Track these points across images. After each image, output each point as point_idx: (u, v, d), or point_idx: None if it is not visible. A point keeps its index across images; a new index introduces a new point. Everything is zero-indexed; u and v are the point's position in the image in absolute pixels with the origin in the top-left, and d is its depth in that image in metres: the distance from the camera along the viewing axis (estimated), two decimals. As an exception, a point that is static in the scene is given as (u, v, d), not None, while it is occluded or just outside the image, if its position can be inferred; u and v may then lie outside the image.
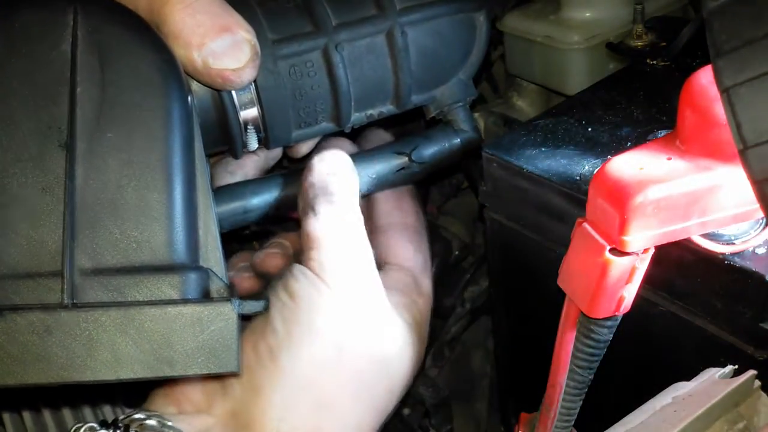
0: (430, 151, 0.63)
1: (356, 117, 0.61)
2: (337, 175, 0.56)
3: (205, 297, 0.44)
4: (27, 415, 0.58)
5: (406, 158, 0.62)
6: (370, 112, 0.61)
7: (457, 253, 0.90)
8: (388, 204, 0.63)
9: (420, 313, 0.58)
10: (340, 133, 0.63)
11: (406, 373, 0.55)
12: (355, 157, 0.61)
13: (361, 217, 0.56)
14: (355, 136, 0.67)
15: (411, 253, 0.61)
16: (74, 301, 0.41)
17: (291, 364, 0.49)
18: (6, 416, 0.57)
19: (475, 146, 0.64)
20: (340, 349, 0.51)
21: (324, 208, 0.54)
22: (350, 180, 0.57)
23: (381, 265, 0.58)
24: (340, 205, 0.54)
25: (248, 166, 0.64)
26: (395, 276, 0.59)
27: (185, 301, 0.43)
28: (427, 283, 0.61)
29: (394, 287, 0.57)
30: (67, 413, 0.59)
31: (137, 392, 0.59)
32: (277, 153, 0.65)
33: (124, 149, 0.44)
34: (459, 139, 0.64)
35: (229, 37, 0.50)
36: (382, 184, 0.62)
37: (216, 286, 0.45)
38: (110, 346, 0.41)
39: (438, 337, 0.89)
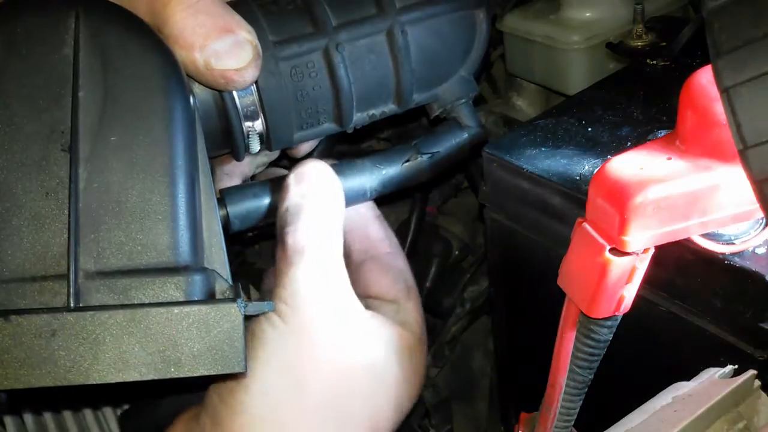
0: (437, 145, 0.63)
1: (358, 117, 0.61)
2: (308, 197, 0.54)
3: (210, 298, 0.44)
4: (28, 418, 0.58)
5: (413, 151, 0.62)
6: (372, 111, 0.61)
7: (457, 253, 0.90)
8: (356, 237, 0.61)
9: (410, 338, 0.56)
10: (341, 136, 0.64)
11: (393, 398, 0.54)
12: (359, 158, 0.61)
13: (336, 239, 0.54)
14: (355, 137, 0.67)
15: (389, 284, 0.59)
16: (79, 304, 0.41)
17: (248, 400, 0.50)
18: (8, 419, 0.58)
19: (482, 141, 0.64)
20: (300, 381, 0.50)
21: (290, 238, 0.52)
22: (325, 198, 0.55)
23: (363, 300, 0.56)
24: (306, 234, 0.52)
25: (245, 167, 0.64)
26: (377, 307, 0.57)
27: (191, 302, 0.42)
28: (411, 307, 0.59)
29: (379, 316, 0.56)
30: (67, 415, 0.59)
31: (140, 394, 0.59)
32: (275, 152, 0.65)
33: (127, 151, 0.44)
34: (466, 134, 0.64)
35: (231, 38, 0.50)
36: (392, 180, 0.62)
37: (221, 287, 0.45)
38: (116, 347, 0.41)
39: (438, 337, 0.89)
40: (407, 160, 0.62)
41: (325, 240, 0.53)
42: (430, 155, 0.62)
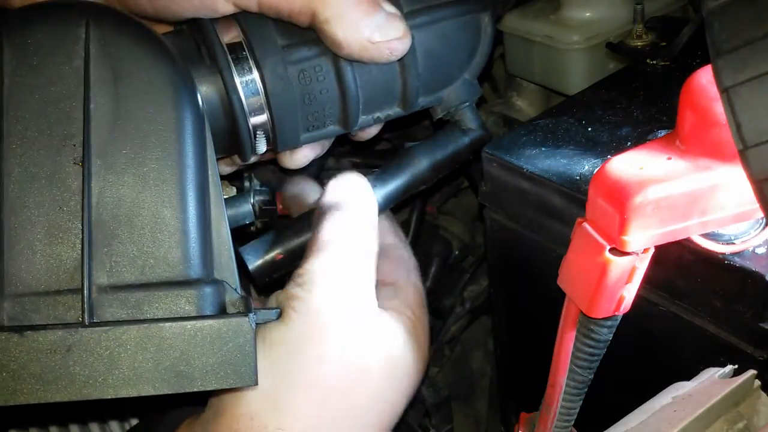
0: (437, 151, 0.63)
1: (363, 120, 0.61)
2: (342, 199, 0.56)
3: (222, 310, 0.45)
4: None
5: (410, 156, 0.62)
6: (377, 114, 0.61)
7: (457, 253, 0.90)
8: None
9: (411, 322, 0.56)
10: (342, 139, 0.64)
11: (400, 391, 0.54)
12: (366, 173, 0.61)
13: (367, 241, 0.55)
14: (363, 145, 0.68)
15: (389, 269, 0.60)
16: (93, 319, 0.41)
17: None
18: None
19: (484, 143, 0.64)
20: (304, 364, 0.50)
21: (318, 233, 0.54)
22: (358, 203, 0.57)
23: None
24: (333, 229, 0.54)
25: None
26: (377, 291, 0.57)
27: (203, 316, 0.43)
28: (410, 291, 0.59)
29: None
30: (74, 429, 0.60)
31: (147, 407, 0.59)
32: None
33: (139, 165, 0.44)
34: (468, 138, 0.64)
35: (383, 12, 0.54)
36: (395, 194, 0.62)
37: (231, 299, 0.46)
38: (130, 362, 0.41)
39: (438, 337, 0.90)
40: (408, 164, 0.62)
41: (354, 239, 0.54)
42: (429, 161, 0.63)
